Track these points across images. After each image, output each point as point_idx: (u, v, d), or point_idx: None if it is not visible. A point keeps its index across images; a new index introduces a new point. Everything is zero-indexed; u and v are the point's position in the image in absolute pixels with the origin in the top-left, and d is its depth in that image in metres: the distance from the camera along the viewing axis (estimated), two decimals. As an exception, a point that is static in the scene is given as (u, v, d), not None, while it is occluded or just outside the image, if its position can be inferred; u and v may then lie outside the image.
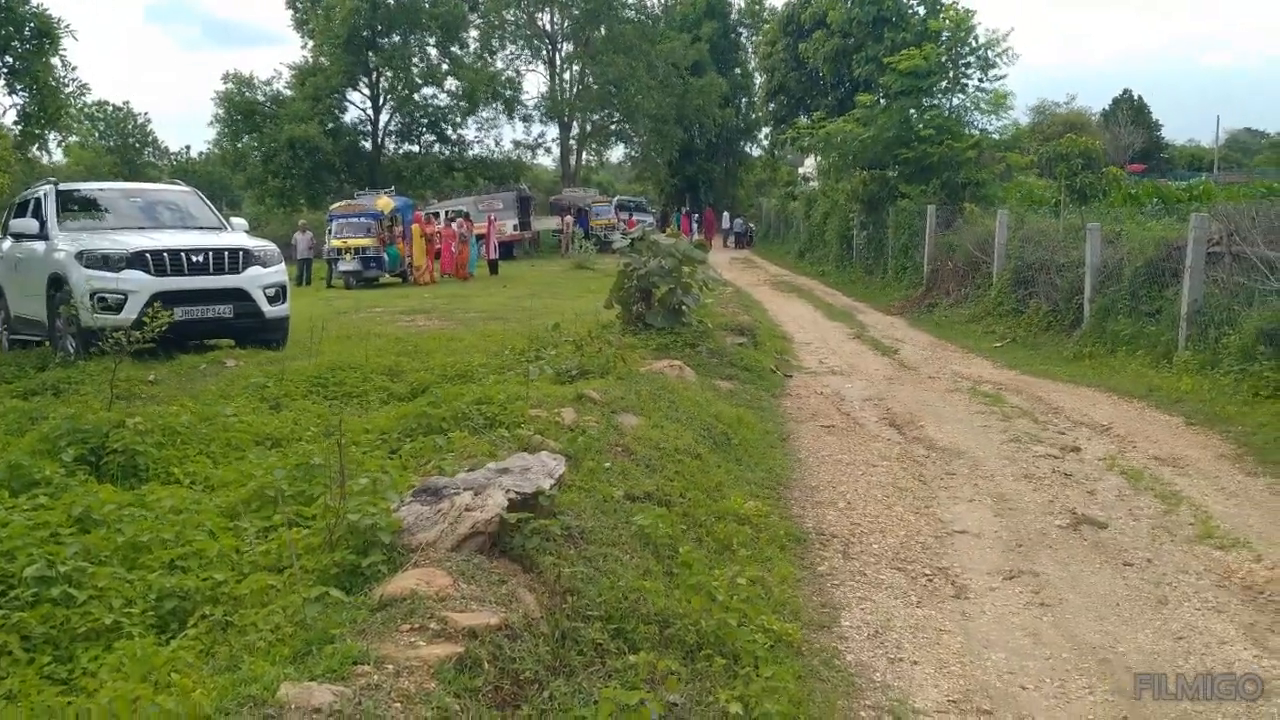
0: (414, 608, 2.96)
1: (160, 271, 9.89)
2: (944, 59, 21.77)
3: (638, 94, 44.82)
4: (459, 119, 44.11)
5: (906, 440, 8.06)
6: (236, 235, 11.14)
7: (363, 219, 26.34)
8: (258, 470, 4.72)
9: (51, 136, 19.20)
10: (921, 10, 30.78)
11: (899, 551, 5.32)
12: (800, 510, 5.95)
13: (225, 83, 41.43)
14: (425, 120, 44.06)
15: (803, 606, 4.46)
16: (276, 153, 38.92)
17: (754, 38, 52.96)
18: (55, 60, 11.03)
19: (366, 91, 43.51)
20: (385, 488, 3.63)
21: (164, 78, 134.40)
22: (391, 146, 44.88)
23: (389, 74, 42.64)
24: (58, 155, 74.60)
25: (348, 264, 25.44)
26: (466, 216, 30.30)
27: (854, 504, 6.13)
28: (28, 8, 10.81)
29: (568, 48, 49.67)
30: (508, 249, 35.30)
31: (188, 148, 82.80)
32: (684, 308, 10.82)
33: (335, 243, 25.93)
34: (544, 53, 49.79)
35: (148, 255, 9.85)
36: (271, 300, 10.61)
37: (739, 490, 5.80)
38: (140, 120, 78.88)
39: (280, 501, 4.03)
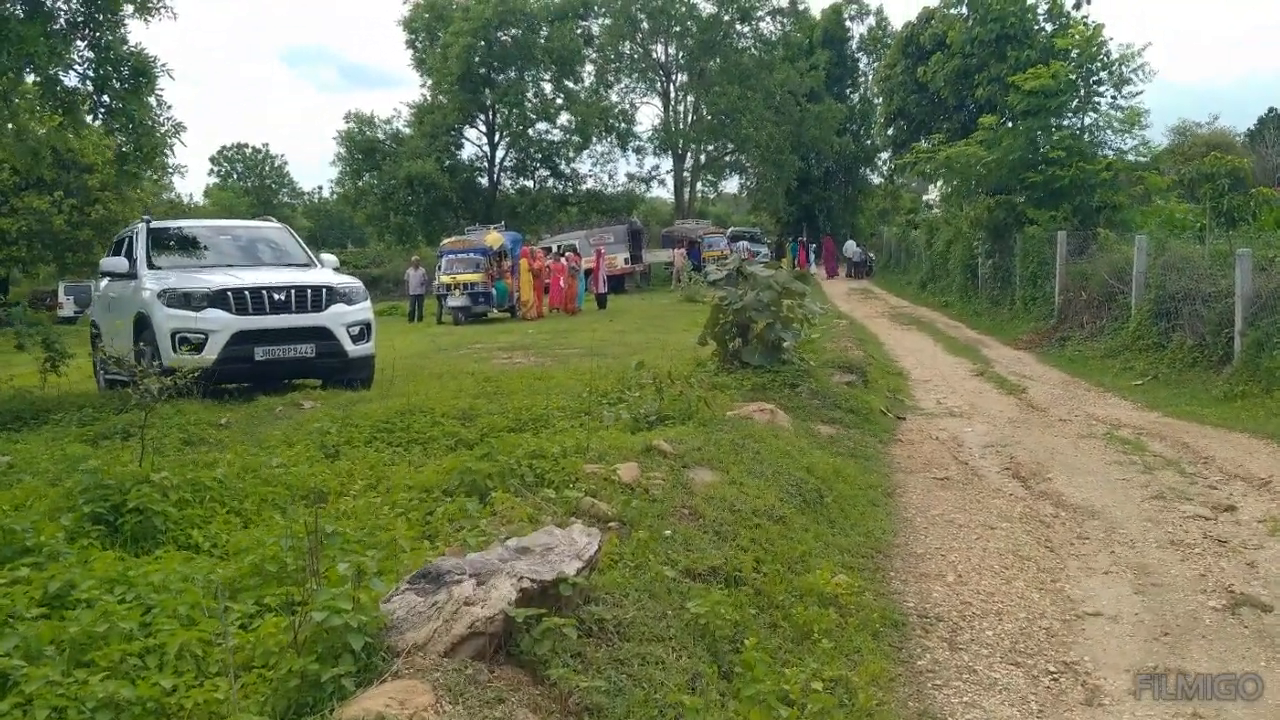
0: (373, 742, 2.33)
1: (241, 310, 9.68)
2: (1073, 76, 20.44)
3: (751, 125, 44.21)
4: (572, 153, 44.31)
5: (1032, 496, 7.10)
6: (322, 272, 10.91)
7: (472, 254, 26.38)
8: (273, 536, 4.19)
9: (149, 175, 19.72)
10: (1048, 27, 29.27)
11: (1017, 640, 4.45)
12: (901, 585, 5.11)
13: (347, 122, 42.66)
14: (539, 155, 44.42)
15: (894, 718, 3.66)
16: (395, 190, 39.72)
17: (873, 63, 51.79)
18: (151, 99, 11.03)
19: (483, 128, 44.15)
20: (371, 574, 3.01)
21: (302, 120, 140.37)
22: (507, 182, 45.36)
23: (504, 110, 43.13)
24: (199, 197, 78.82)
25: (456, 299, 25.46)
26: (575, 250, 30.11)
27: (965, 577, 5.26)
28: (126, 47, 10.85)
29: (682, 79, 49.49)
30: (619, 282, 35.03)
31: (320, 188, 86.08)
32: (784, 344, 10.04)
33: (444, 278, 26.02)
34: (658, 85, 49.72)
35: (229, 294, 9.67)
36: (355, 339, 10.31)
37: (828, 560, 5.01)
38: (277, 162, 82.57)
39: (276, 579, 3.47)
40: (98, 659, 2.98)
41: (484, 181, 44.56)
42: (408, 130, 43.00)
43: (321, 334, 10.01)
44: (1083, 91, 20.91)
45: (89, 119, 10.97)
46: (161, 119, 11.12)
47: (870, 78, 52.51)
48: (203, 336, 9.46)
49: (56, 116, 11.23)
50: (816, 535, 5.35)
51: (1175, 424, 9.62)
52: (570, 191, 44.87)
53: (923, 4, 38.05)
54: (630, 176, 49.59)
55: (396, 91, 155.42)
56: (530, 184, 45.21)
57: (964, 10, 31.91)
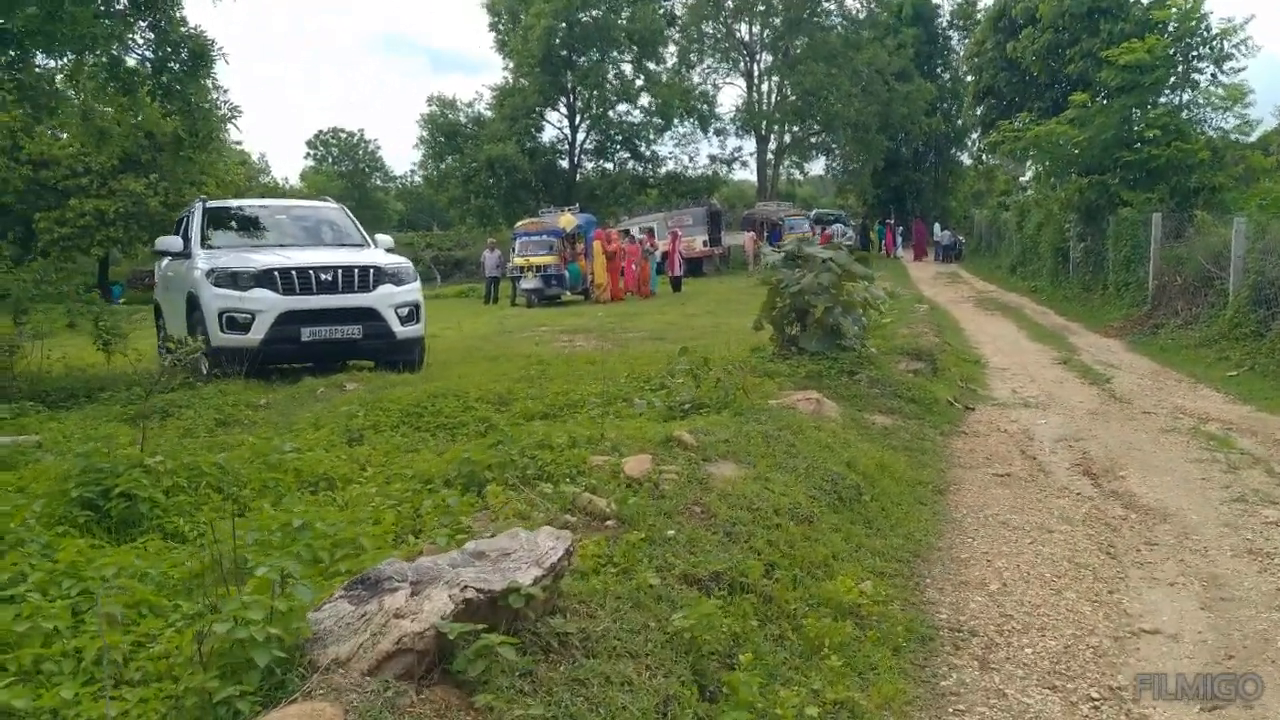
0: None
1: (289, 290, 9.59)
2: (1171, 51, 19.26)
3: (838, 102, 43.16)
4: (653, 135, 43.86)
5: (1101, 495, 6.53)
6: (371, 252, 10.78)
7: (545, 236, 26.23)
8: (255, 527, 3.96)
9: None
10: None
11: (1059, 660, 3.97)
12: (936, 593, 4.66)
13: (429, 106, 42.90)
14: (619, 137, 44.08)
15: (900, 751, 3.25)
16: (476, 172, 39.83)
17: (964, 40, 50.08)
18: (208, 82, 11.02)
19: (564, 110, 43.99)
20: (295, 579, 2.72)
21: (396, 105, 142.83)
22: (587, 164, 45.17)
23: (584, 92, 42.89)
24: (295, 180, 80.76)
25: (530, 282, 25.35)
26: (651, 233, 29.74)
27: (1011, 586, 4.77)
28: (185, 29, 10.85)
29: (766, 58, 48.59)
30: (697, 265, 34.57)
31: (411, 171, 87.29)
32: (843, 329, 9.55)
33: (518, 260, 25.93)
34: (741, 65, 48.91)
35: (275, 273, 9.58)
36: (404, 320, 10.16)
37: (855, 566, 4.59)
38: (371, 146, 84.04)
39: (222, 579, 3.21)
40: (7, 662, 2.77)
41: (564, 164, 44.43)
42: (489, 113, 43.10)
43: (369, 315, 9.88)
44: (1181, 67, 19.73)
45: (148, 100, 10.98)
46: (219, 101, 11.07)
47: (961, 55, 50.79)
48: (249, 316, 9.40)
49: (120, 97, 11.30)
50: (847, 537, 4.93)
51: (1269, 419, 8.86)
52: (650, 174, 44.44)
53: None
54: (712, 158, 48.96)
55: (483, 76, 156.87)
56: (610, 166, 44.94)
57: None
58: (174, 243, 10.69)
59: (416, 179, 76.78)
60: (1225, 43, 19.34)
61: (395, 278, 10.22)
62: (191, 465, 4.89)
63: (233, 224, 11.24)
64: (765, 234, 36.74)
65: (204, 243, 10.58)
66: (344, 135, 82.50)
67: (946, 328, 16.82)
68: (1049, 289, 24.33)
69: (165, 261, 11.47)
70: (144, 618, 3.16)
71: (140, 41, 10.97)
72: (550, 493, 4.17)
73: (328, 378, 9.42)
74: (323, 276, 9.73)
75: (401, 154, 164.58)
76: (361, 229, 11.65)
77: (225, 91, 11.07)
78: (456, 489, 4.52)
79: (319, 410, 7.65)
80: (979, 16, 47.12)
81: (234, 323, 9.37)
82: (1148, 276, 17.36)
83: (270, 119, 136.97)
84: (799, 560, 4.35)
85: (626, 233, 30.70)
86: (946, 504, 6.14)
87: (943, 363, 11.60)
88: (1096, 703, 3.63)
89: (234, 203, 12.42)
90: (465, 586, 2.75)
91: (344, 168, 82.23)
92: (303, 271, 9.65)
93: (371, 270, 10.03)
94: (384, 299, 9.96)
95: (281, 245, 10.70)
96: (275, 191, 56.29)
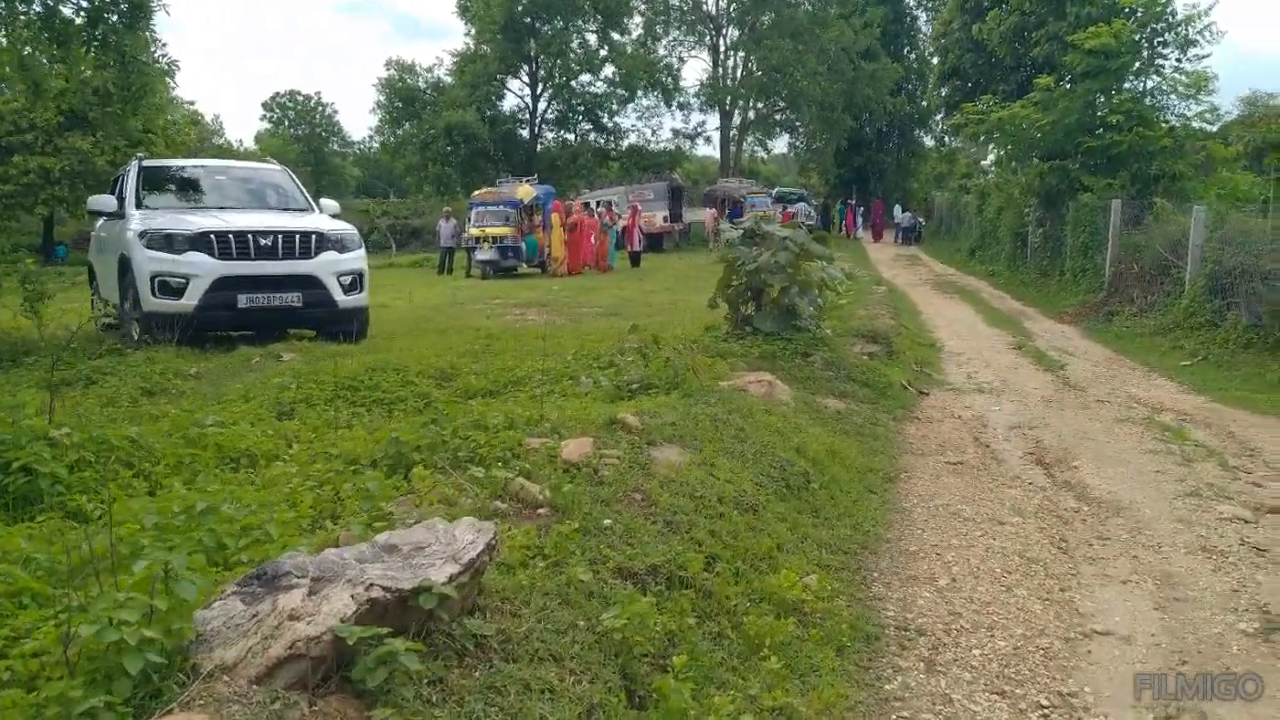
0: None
1: (225, 254, 9.20)
2: (1136, 36, 19.23)
3: (804, 79, 42.89)
4: (615, 107, 43.32)
5: (1053, 486, 6.42)
6: (315, 218, 10.39)
7: (502, 207, 25.77)
8: (155, 509, 3.67)
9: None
10: (1111, -18, 27.67)
11: (1008, 663, 3.82)
12: (883, 588, 4.48)
13: (388, 70, 41.99)
14: (582, 108, 43.49)
15: (840, 762, 3.07)
16: (434, 139, 39.08)
17: (931, 21, 49.96)
18: (146, 34, 10.53)
19: (525, 79, 43.30)
20: (179, 574, 2.45)
21: (355, 71, 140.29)
22: (548, 135, 44.56)
23: (547, 61, 42.21)
24: (250, 142, 79.15)
25: (485, 253, 24.92)
26: (610, 206, 29.39)
27: (960, 582, 4.61)
28: (123, -21, 10.35)
29: (733, 33, 48.15)
30: (657, 241, 34.28)
31: (370, 137, 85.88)
32: (799, 310, 9.36)
33: (474, 231, 25.47)
34: (707, 38, 48.44)
35: (212, 236, 9.18)
36: (347, 289, 9.81)
37: (801, 558, 4.40)
38: (328, 111, 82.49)
39: (102, 570, 2.93)
40: None
41: (524, 134, 43.81)
42: (449, 79, 42.30)
43: (309, 282, 9.51)
44: (1145, 53, 19.72)
45: (82, 52, 10.47)
46: (156, 55, 10.58)
47: (927, 35, 50.70)
48: (183, 281, 9.01)
49: (53, 48, 10.77)
50: (793, 527, 4.74)
51: (1223, 410, 8.83)
52: (612, 146, 43.93)
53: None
54: (675, 133, 48.51)
55: (447, 44, 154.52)
56: (571, 137, 44.36)
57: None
58: (108, 202, 10.23)
59: (374, 145, 75.63)
60: (1190, 29, 19.36)
61: (339, 244, 9.85)
62: (101, 438, 4.58)
63: (170, 185, 10.78)
64: (727, 211, 36.48)
65: (139, 203, 10.12)
66: (301, 98, 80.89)
67: (903, 310, 16.75)
68: (1007, 273, 24.39)
69: (100, 222, 11.00)
70: (24, 609, 2.87)
71: (75, -11, 10.45)
72: (481, 477, 3.92)
73: (265, 347, 9.06)
74: (262, 241, 9.33)
75: (360, 119, 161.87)
76: (306, 193, 11.24)
77: (164, 45, 10.56)
78: (382, 470, 4.26)
79: (251, 381, 7.32)
80: (945, -3, 47.12)
81: (167, 287, 8.97)
82: (1105, 263, 17.40)
83: (227, 80, 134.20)
84: (742, 552, 4.15)
85: (586, 205, 30.33)
86: (897, 492, 5.98)
87: (898, 346, 11.50)
88: (1046, 711, 3.48)
89: (172, 162, 11.95)
90: (370, 585, 2.50)
91: (301, 131, 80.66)
92: (240, 235, 9.26)
93: (314, 236, 9.65)
94: (326, 266, 9.60)
95: (221, 208, 10.27)
96: (228, 154, 55.04)
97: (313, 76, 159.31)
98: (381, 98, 41.21)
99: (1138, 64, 19.44)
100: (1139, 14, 19.54)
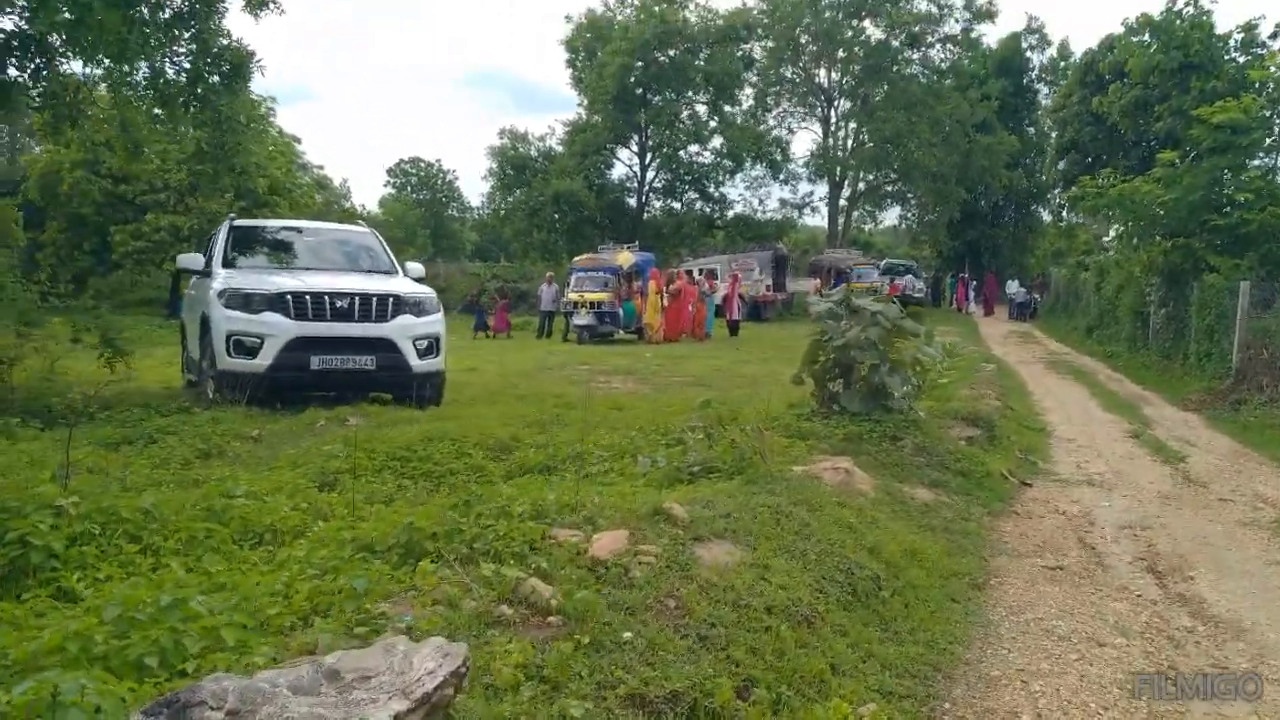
0: None
1: (301, 315, 9.12)
2: (1267, 112, 18.14)
3: (917, 150, 42.15)
4: (722, 177, 43.26)
5: (1165, 599, 5.65)
6: (395, 281, 10.28)
7: (601, 273, 25.73)
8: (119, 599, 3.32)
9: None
10: (1240, 58, 26.30)
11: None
12: (953, 726, 3.86)
13: (500, 138, 42.89)
14: (689, 177, 43.54)
15: None
16: (542, 206, 39.57)
17: (1051, 94, 48.77)
18: (246, 95, 10.71)
19: (634, 148, 43.64)
20: (68, 701, 2.07)
21: (474, 139, 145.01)
22: (655, 203, 44.70)
23: (656, 131, 42.51)
24: (374, 207, 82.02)
25: (582, 318, 24.84)
26: (712, 274, 29.09)
27: (1046, 719, 3.96)
28: (225, 40, 10.56)
29: (844, 104, 47.86)
30: (759, 310, 33.80)
31: (483, 203, 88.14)
32: (890, 389, 8.75)
33: (572, 296, 25.45)
34: (818, 110, 48.24)
35: (288, 297, 9.12)
36: (422, 353, 9.62)
37: (858, 683, 3.82)
38: (448, 177, 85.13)
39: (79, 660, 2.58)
40: None
41: (631, 202, 44.03)
42: (560, 148, 42.96)
43: (383, 345, 9.36)
44: (1277, 129, 18.59)
45: (182, 111, 10.70)
46: (249, 117, 10.72)
47: (1046, 109, 49.45)
48: (258, 341, 8.93)
49: (155, 106, 11.04)
50: (855, 643, 4.16)
51: (1366, 518, 7.84)
52: (718, 215, 43.81)
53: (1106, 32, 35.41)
54: (783, 202, 48.16)
55: (561, 114, 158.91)
56: (678, 206, 44.40)
57: (1147, 38, 29.21)
58: (195, 260, 10.35)
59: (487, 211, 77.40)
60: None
61: (416, 308, 9.70)
62: (110, 509, 4.33)
63: (260, 245, 10.87)
64: (831, 282, 35.82)
65: (225, 262, 10.19)
66: (423, 165, 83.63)
67: (1012, 390, 15.83)
68: (1126, 355, 23.11)
69: (192, 280, 11.14)
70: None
71: (181, 52, 10.71)
72: (490, 576, 3.49)
73: (333, 410, 8.90)
74: (338, 303, 9.24)
75: (478, 186, 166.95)
76: (392, 256, 11.19)
77: (261, 104, 10.68)
78: (392, 560, 3.88)
79: (307, 447, 7.09)
80: (1067, 70, 45.88)
81: (242, 346, 8.92)
82: (1232, 348, 16.20)
83: (355, 147, 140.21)
84: (787, 674, 3.61)
85: (689, 273, 30.11)
86: (983, 602, 5.31)
87: (1002, 430, 10.71)
88: None
89: (262, 223, 12.08)
90: (290, 724, 2.09)
91: (422, 196, 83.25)
92: (317, 297, 9.18)
93: (390, 299, 9.52)
94: (401, 330, 9.45)
95: (306, 269, 10.27)
96: (352, 218, 56.95)
97: (435, 145, 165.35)
98: (494, 165, 42.15)
99: (1269, 140, 18.33)
100: (1271, 88, 18.47)
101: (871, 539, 5.32)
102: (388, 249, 11.31)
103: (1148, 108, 26.32)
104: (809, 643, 3.92)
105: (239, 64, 10.51)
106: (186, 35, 10.66)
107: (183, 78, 10.48)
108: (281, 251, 10.79)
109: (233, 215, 11.43)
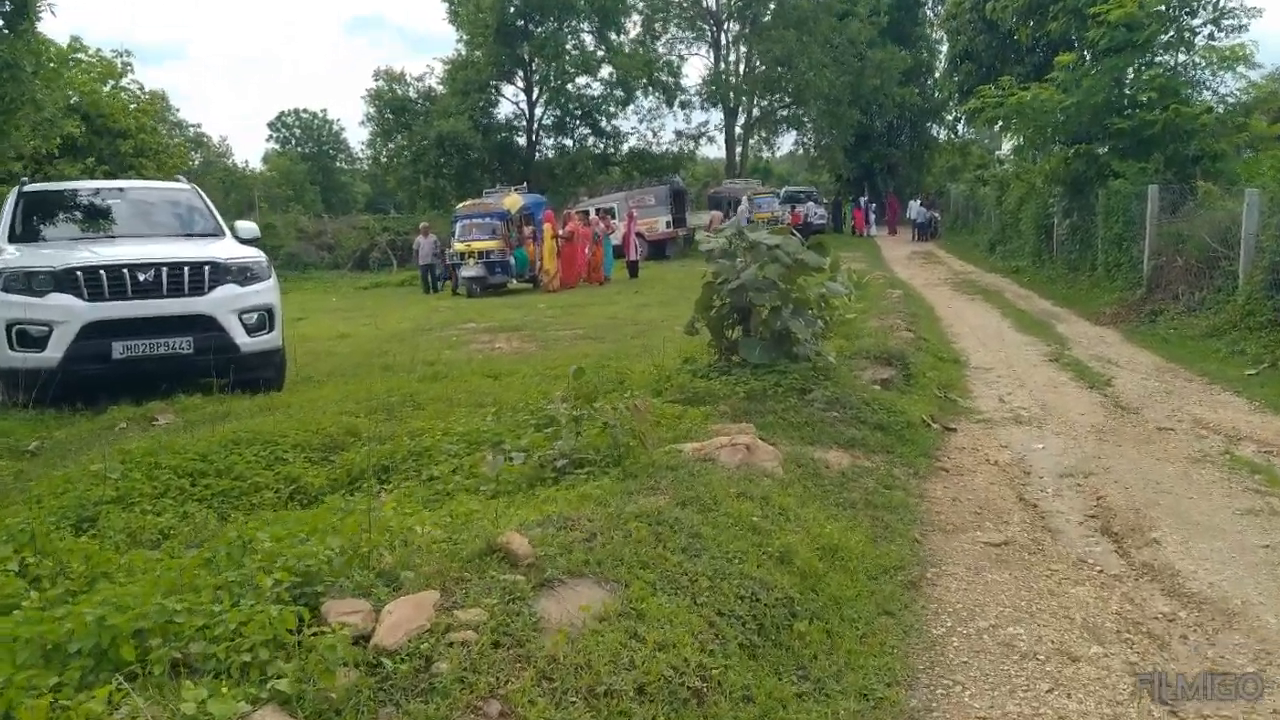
0: None
1: (96, 295, 7.58)
2: (1163, 7, 17.43)
3: (809, 71, 41.03)
4: (614, 109, 41.55)
5: (1132, 573, 4.74)
6: (217, 245, 8.75)
7: (488, 219, 24.06)
8: None
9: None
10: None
11: None
12: (905, 829, 2.80)
13: (376, 80, 40.39)
14: (579, 112, 41.68)
15: None
16: (425, 150, 37.42)
17: (940, 6, 47.95)
18: (30, 39, 8.97)
19: (520, 84, 41.58)
20: None
21: (360, 88, 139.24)
22: (546, 141, 42.83)
23: (542, 64, 40.46)
24: (256, 162, 78.08)
25: (471, 269, 23.20)
26: (609, 214, 27.71)
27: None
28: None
29: (734, 27, 46.36)
30: (660, 248, 32.63)
31: (362, 150, 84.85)
32: (795, 334, 7.67)
33: (458, 246, 23.76)
34: (708, 34, 46.65)
35: (79, 274, 7.55)
36: (252, 329, 8.18)
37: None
38: (334, 128, 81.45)
39: None
40: None
41: (521, 141, 42.07)
42: (441, 88, 40.62)
43: (202, 323, 7.87)
44: (1175, 25, 17.90)
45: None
46: (42, 62, 9.02)
47: (937, 24, 48.67)
48: (45, 329, 7.39)
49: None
50: (764, 712, 3.05)
51: (1321, 440, 7.10)
52: (612, 151, 42.14)
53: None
54: (679, 134, 46.61)
55: (443, 54, 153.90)
56: (570, 143, 42.54)
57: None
58: (-24, 236, 8.66)
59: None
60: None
61: (241, 275, 8.18)
62: None
63: (57, 212, 9.19)
64: (732, 213, 34.72)
65: (12, 235, 8.54)
66: (306, 116, 79.78)
67: (921, 317, 15.01)
68: (1031, 269, 22.72)
69: (-22, 260, 9.43)
70: None
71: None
72: (194, 712, 2.25)
73: (142, 406, 7.44)
74: (141, 277, 7.68)
75: (364, 135, 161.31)
76: (217, 214, 9.59)
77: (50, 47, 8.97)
78: (80, 667, 2.61)
79: (82, 461, 5.68)
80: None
81: (26, 337, 7.37)
82: (1143, 256, 15.65)
83: (233, 102, 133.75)
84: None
85: (585, 214, 28.67)
86: (923, 611, 4.25)
87: (917, 366, 9.78)
88: None
89: (60, 186, 10.30)
90: None
91: (308, 149, 79.59)
92: (114, 271, 7.61)
93: (207, 267, 7.98)
94: (223, 303, 7.95)
95: (110, 237, 8.68)
96: (236, 175, 53.85)
97: (321, 97, 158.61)
98: (371, 110, 39.70)
99: (1167, 37, 17.63)
100: (1165, -19, 17.74)
101: (780, 542, 4.21)
102: (212, 207, 9.66)
103: (1043, 9, 25.53)
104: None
105: (21, 2, 8.74)
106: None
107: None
108: (86, 218, 9.13)
109: (24, 180, 9.68)
